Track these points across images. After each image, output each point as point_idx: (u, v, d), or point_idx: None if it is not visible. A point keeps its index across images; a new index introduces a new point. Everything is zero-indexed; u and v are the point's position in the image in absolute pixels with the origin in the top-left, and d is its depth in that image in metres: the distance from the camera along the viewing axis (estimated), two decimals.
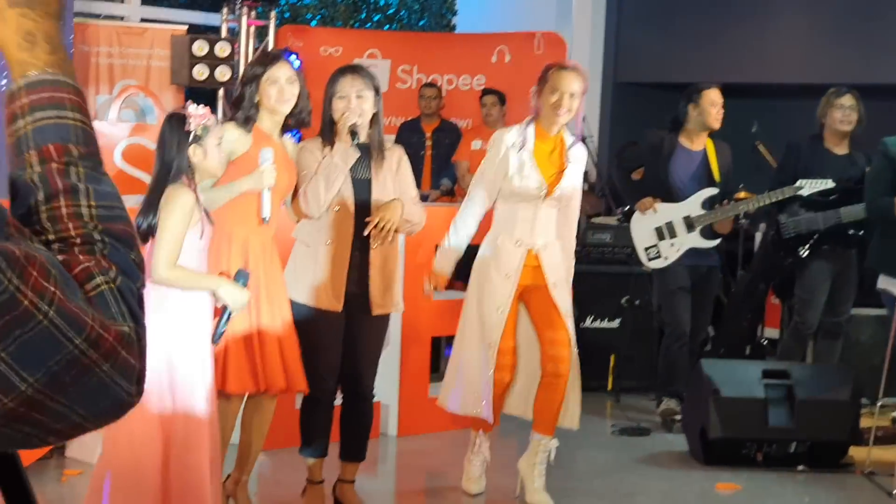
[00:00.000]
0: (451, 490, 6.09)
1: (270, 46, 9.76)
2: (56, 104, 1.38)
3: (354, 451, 5.44)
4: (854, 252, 7.25)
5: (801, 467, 6.46)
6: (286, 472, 5.91)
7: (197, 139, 4.38)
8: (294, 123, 5.15)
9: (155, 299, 4.32)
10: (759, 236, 8.89)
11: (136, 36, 9.56)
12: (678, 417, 7.20)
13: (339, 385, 5.35)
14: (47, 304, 1.23)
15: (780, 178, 7.32)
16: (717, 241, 7.30)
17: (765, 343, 8.78)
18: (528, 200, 5.52)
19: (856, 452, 6.55)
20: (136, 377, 1.32)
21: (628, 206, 7.71)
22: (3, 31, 1.40)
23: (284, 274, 5.12)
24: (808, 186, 7.10)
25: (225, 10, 9.96)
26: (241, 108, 5.03)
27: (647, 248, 7.29)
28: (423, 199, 5.63)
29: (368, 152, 5.18)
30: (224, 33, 9.86)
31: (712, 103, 7.23)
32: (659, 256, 7.27)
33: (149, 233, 4.34)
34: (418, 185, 5.47)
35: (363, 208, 5.15)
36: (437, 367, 7.56)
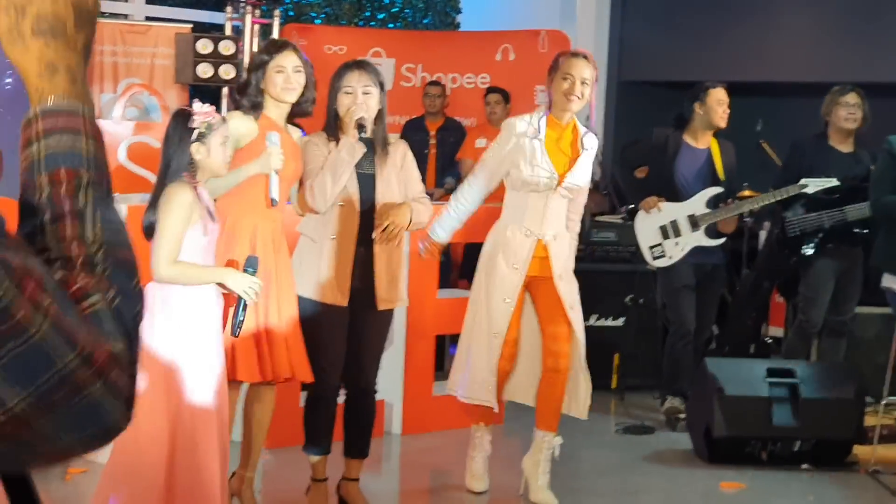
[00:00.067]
0: (456, 489, 6.09)
1: None
2: (71, 131, 1.38)
3: (358, 447, 5.44)
4: (859, 250, 7.24)
5: (805, 466, 6.46)
6: (290, 471, 5.91)
7: (201, 137, 4.38)
8: (297, 113, 5.14)
9: (159, 298, 4.33)
10: (763, 235, 8.88)
11: (141, 34, 9.56)
12: (682, 416, 7.20)
13: (343, 381, 5.35)
14: (41, 317, 1.22)
15: (784, 177, 7.31)
16: (721, 240, 7.29)
17: (769, 342, 8.77)
18: (539, 190, 5.50)
19: (860, 451, 6.54)
20: (126, 399, 1.31)
21: (632, 205, 7.70)
22: (26, 59, 1.41)
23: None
24: (813, 185, 7.09)
25: (229, 8, 9.97)
26: (247, 95, 5.02)
27: (651, 247, 7.29)
28: (428, 196, 5.63)
29: (373, 148, 5.18)
30: (228, 32, 9.87)
31: (719, 102, 7.22)
32: (663, 255, 7.26)
33: (150, 231, 4.34)
34: (423, 183, 5.47)
35: (368, 203, 5.15)
36: (441, 366, 7.56)
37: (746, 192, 8.26)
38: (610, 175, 9.24)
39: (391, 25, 12.97)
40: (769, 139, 8.56)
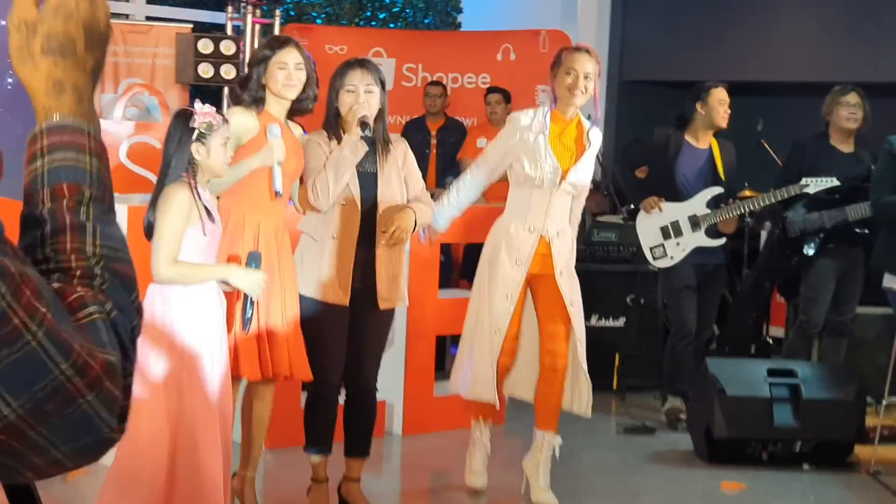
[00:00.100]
0: (457, 489, 6.08)
1: None
2: (75, 148, 1.40)
3: (359, 447, 5.44)
4: (860, 251, 7.23)
5: (806, 466, 6.46)
6: (291, 471, 5.90)
7: (201, 137, 4.38)
8: (297, 110, 5.14)
9: (159, 298, 4.33)
10: (764, 235, 8.88)
11: (142, 34, 9.56)
12: (683, 416, 7.19)
13: (343, 381, 5.35)
14: (37, 324, 1.22)
15: (785, 177, 7.30)
16: (722, 241, 7.29)
17: (770, 342, 8.77)
18: (542, 186, 5.49)
19: (861, 451, 6.54)
20: (120, 412, 1.31)
21: (633, 205, 7.70)
22: (34, 77, 1.42)
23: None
24: (814, 185, 7.08)
25: (230, 8, 9.97)
26: (248, 90, 5.02)
27: (652, 248, 7.28)
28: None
29: (374, 146, 5.18)
30: (229, 31, 9.87)
31: (720, 102, 7.22)
32: (665, 256, 7.26)
33: (151, 230, 4.35)
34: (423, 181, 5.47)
35: (369, 203, 5.15)
36: (442, 366, 7.56)
37: (747, 192, 8.26)
38: (611, 175, 9.23)
39: (392, 25, 12.97)
40: (770, 139, 8.56)
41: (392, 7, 13.06)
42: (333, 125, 5.16)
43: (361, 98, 5.09)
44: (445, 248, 8.37)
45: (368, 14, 13.02)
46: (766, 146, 8.55)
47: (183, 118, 4.44)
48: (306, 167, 5.11)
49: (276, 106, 5.04)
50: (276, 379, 5.04)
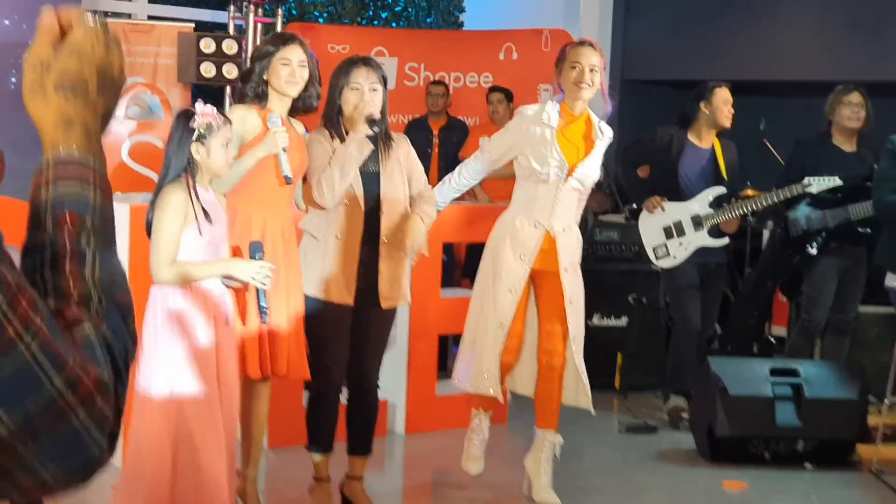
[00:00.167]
0: (459, 488, 6.09)
1: None
2: (80, 180, 1.41)
3: (361, 445, 5.44)
4: (862, 250, 7.23)
5: (808, 465, 6.46)
6: (293, 470, 5.90)
7: (200, 137, 4.38)
8: (301, 108, 5.13)
9: (161, 299, 4.34)
10: (766, 234, 8.87)
11: (144, 34, 9.56)
12: (685, 415, 7.19)
13: (345, 379, 5.35)
14: (31, 336, 1.22)
15: (787, 176, 7.30)
16: (725, 240, 7.28)
17: (772, 341, 8.77)
18: (548, 181, 5.48)
19: (863, 450, 6.54)
20: (110, 434, 1.31)
21: (635, 204, 7.69)
22: (45, 111, 1.44)
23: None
24: (816, 184, 7.08)
25: (232, 7, 9.97)
26: (250, 83, 5.01)
27: (655, 248, 7.28)
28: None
29: (376, 145, 5.17)
30: (231, 31, 9.86)
31: (724, 101, 7.21)
32: (667, 255, 7.25)
33: (150, 230, 4.36)
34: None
35: (372, 202, 5.15)
36: (444, 365, 7.56)
37: (749, 191, 8.25)
38: (613, 174, 9.23)
39: (394, 24, 12.97)
40: (772, 138, 8.55)
41: (394, 6, 13.06)
42: (335, 123, 5.16)
43: (366, 96, 5.09)
44: (448, 248, 8.37)
45: (371, 13, 13.02)
46: (769, 145, 8.54)
47: (184, 118, 4.45)
48: (310, 165, 5.10)
49: (278, 103, 5.04)
50: (277, 375, 5.03)
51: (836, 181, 7.06)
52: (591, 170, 5.56)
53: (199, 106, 4.45)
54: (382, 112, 5.16)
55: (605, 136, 5.59)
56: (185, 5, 10.86)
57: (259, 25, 9.92)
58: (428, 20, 13.02)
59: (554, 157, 5.45)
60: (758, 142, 8.54)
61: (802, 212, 7.28)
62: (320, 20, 12.60)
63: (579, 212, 5.73)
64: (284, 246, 4.98)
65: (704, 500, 6.12)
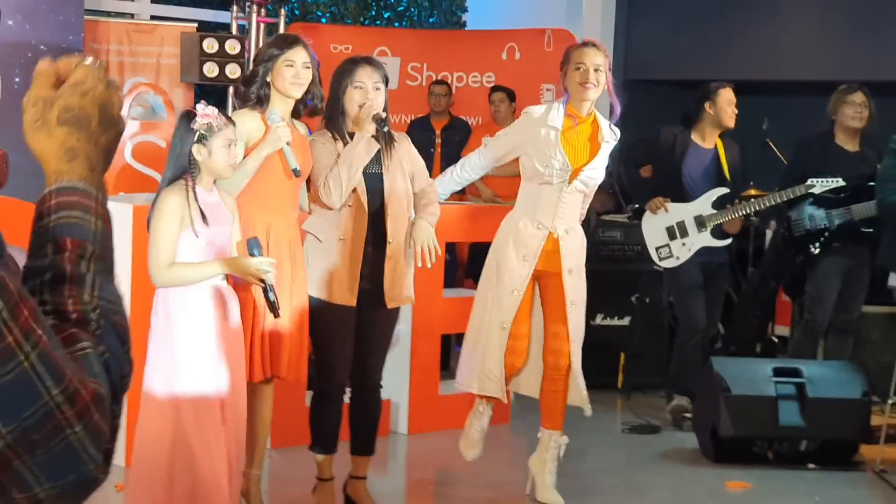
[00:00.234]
0: (462, 488, 6.09)
1: None
2: (82, 208, 1.43)
3: (364, 445, 5.43)
4: (865, 249, 7.22)
5: (811, 465, 6.45)
6: (297, 470, 5.90)
7: (202, 138, 4.38)
8: (306, 111, 5.12)
9: (162, 301, 4.35)
10: (769, 234, 8.87)
11: (147, 34, 9.56)
12: (688, 415, 7.18)
13: (348, 379, 5.34)
14: (31, 345, 1.22)
15: (790, 176, 7.29)
16: (728, 241, 7.28)
17: (775, 341, 8.76)
18: (552, 183, 5.47)
19: (866, 451, 6.53)
20: (106, 451, 1.30)
21: (638, 204, 7.68)
22: (48, 144, 1.46)
23: None
24: (820, 185, 7.07)
25: (235, 7, 9.97)
26: (254, 87, 4.99)
27: (658, 248, 7.27)
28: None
29: (379, 145, 5.17)
30: (234, 31, 9.86)
31: (729, 102, 7.20)
32: (670, 256, 7.25)
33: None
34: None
35: (376, 202, 5.14)
36: (447, 365, 7.56)
37: (752, 191, 8.24)
38: (616, 174, 9.23)
39: (397, 24, 12.97)
40: (775, 138, 8.55)
41: (397, 6, 13.06)
42: (338, 122, 5.14)
43: (371, 95, 5.08)
44: (450, 248, 8.37)
45: (373, 13, 13.02)
46: (772, 145, 8.53)
47: (186, 119, 4.45)
48: (315, 166, 5.08)
49: (281, 104, 5.02)
50: (277, 377, 5.03)
51: (839, 182, 7.05)
52: (595, 173, 5.54)
53: (201, 107, 4.45)
54: (384, 111, 5.15)
55: (611, 138, 5.57)
56: (188, 5, 10.86)
57: (262, 25, 9.91)
58: (430, 20, 13.02)
59: (557, 159, 5.44)
60: (760, 141, 8.54)
61: (805, 211, 7.27)
62: (323, 20, 12.60)
63: (584, 210, 5.72)
64: (289, 247, 4.97)
65: (708, 500, 6.12)
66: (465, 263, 9.16)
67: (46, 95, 1.47)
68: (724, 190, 7.24)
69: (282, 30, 10.01)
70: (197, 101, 4.65)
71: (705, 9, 11.51)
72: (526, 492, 5.81)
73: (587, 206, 5.74)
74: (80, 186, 1.44)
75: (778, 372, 6.53)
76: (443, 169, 9.56)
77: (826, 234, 7.23)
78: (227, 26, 10.15)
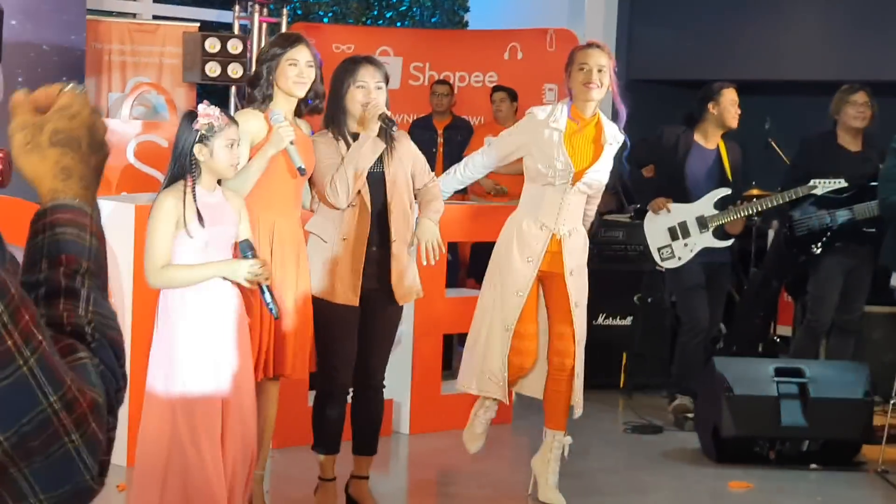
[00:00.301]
0: (464, 488, 6.09)
1: None
2: (77, 225, 1.44)
3: (367, 444, 5.43)
4: (867, 249, 7.21)
5: (813, 466, 6.45)
6: (299, 470, 5.90)
7: (203, 138, 4.38)
8: (308, 110, 5.12)
9: (162, 303, 4.36)
10: (771, 234, 8.86)
11: (149, 33, 9.56)
12: (690, 415, 7.18)
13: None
14: (30, 350, 1.22)
15: (793, 175, 7.29)
16: (730, 241, 7.28)
17: (777, 341, 8.76)
18: (555, 184, 5.47)
19: (868, 451, 6.53)
20: (102, 461, 1.30)
21: (640, 204, 7.68)
22: (42, 165, 1.48)
23: None
24: (822, 186, 7.06)
25: (237, 7, 9.97)
26: (259, 86, 4.98)
27: (660, 248, 7.27)
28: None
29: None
30: (236, 30, 9.87)
31: (732, 102, 7.20)
32: (672, 257, 7.24)
33: None
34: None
35: (379, 202, 5.13)
36: (449, 365, 7.56)
37: (754, 191, 8.24)
38: (618, 174, 9.22)
39: (399, 24, 12.97)
40: (778, 137, 8.54)
41: (399, 6, 13.06)
42: (340, 122, 5.14)
43: (373, 94, 5.08)
44: (452, 247, 8.36)
45: (375, 13, 13.03)
46: (774, 145, 8.53)
47: (188, 119, 4.44)
48: (317, 167, 5.08)
49: (285, 104, 5.01)
50: (282, 374, 5.02)
51: (841, 183, 7.05)
52: (600, 174, 5.54)
53: (202, 107, 4.45)
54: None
55: (615, 140, 5.56)
56: (190, 5, 10.87)
57: (264, 25, 9.92)
58: (433, 20, 13.02)
59: (560, 161, 5.43)
60: (763, 141, 8.53)
61: (807, 211, 7.27)
62: (325, 20, 12.61)
63: (592, 212, 5.72)
64: (293, 245, 4.97)
65: (709, 500, 6.11)
66: (467, 263, 9.16)
67: (34, 120, 1.48)
68: (726, 190, 7.24)
69: (284, 29, 10.01)
70: (199, 100, 4.66)
71: (708, 9, 11.50)
72: (528, 492, 5.80)
73: (595, 207, 5.74)
74: (75, 204, 1.45)
75: (780, 372, 6.53)
76: (445, 169, 9.61)
77: (828, 233, 7.23)
78: (229, 26, 10.15)
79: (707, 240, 7.21)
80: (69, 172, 1.47)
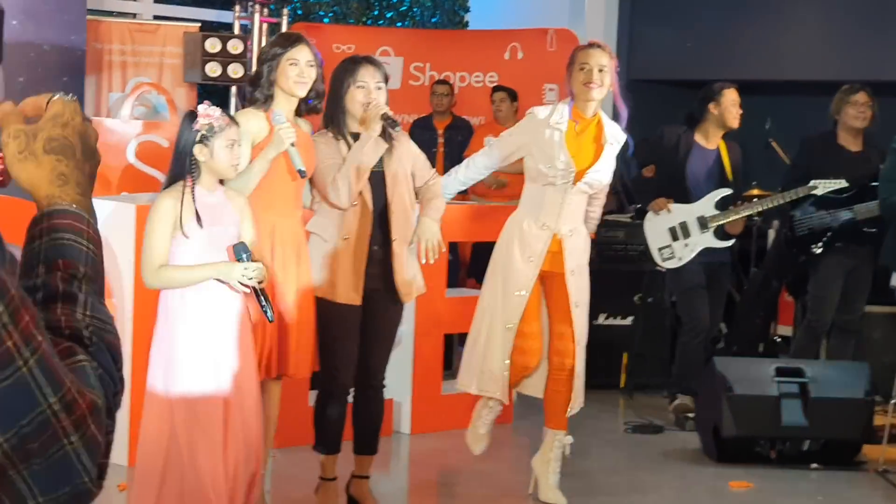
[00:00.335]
0: (465, 488, 6.09)
1: None
2: (74, 231, 1.45)
3: (368, 443, 5.43)
4: (868, 249, 7.22)
5: (814, 465, 6.45)
6: (300, 470, 5.90)
7: (203, 138, 4.37)
8: (306, 110, 5.11)
9: (162, 304, 4.36)
10: (772, 234, 8.86)
11: (149, 33, 9.57)
12: (691, 415, 7.18)
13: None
14: (30, 351, 1.21)
15: (793, 175, 7.29)
16: (731, 242, 7.27)
17: (778, 341, 8.76)
18: (556, 184, 5.47)
19: (869, 450, 6.53)
20: (101, 464, 1.30)
21: (640, 204, 7.68)
22: (38, 172, 1.48)
23: None
24: (822, 186, 7.06)
25: (237, 7, 9.98)
26: (260, 87, 4.98)
27: (660, 249, 7.27)
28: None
29: None
30: (237, 30, 9.88)
31: (734, 103, 7.20)
32: (673, 257, 7.24)
33: None
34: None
35: (380, 202, 5.14)
36: (449, 365, 7.56)
37: (755, 191, 8.24)
38: (618, 174, 9.22)
39: (399, 24, 12.97)
40: (778, 137, 8.54)
41: (399, 6, 13.06)
42: (340, 122, 5.14)
43: (373, 94, 5.08)
44: (453, 247, 8.36)
45: (376, 13, 13.02)
46: (775, 145, 8.53)
47: (188, 120, 4.45)
48: (318, 167, 5.08)
49: (286, 103, 5.01)
50: (285, 374, 5.03)
51: (842, 183, 7.05)
52: (601, 174, 5.54)
53: (203, 107, 4.45)
54: None
55: (616, 140, 5.56)
56: (191, 5, 10.87)
57: (264, 25, 9.93)
58: (433, 20, 13.02)
59: (561, 160, 5.43)
60: (763, 141, 8.53)
61: (808, 211, 7.27)
62: (325, 20, 12.61)
63: (598, 213, 5.72)
64: (295, 246, 4.97)
65: (710, 499, 6.11)
66: (467, 263, 9.16)
67: (26, 129, 1.49)
68: (727, 191, 7.24)
69: (284, 29, 10.02)
70: (200, 100, 4.66)
71: (708, 9, 11.50)
72: (529, 491, 5.80)
73: (599, 208, 5.73)
74: (72, 210, 1.46)
75: (780, 372, 6.53)
76: (445, 169, 9.58)
77: (829, 233, 7.23)
78: (229, 26, 10.16)
79: (707, 240, 7.21)
80: (66, 178, 1.48)
